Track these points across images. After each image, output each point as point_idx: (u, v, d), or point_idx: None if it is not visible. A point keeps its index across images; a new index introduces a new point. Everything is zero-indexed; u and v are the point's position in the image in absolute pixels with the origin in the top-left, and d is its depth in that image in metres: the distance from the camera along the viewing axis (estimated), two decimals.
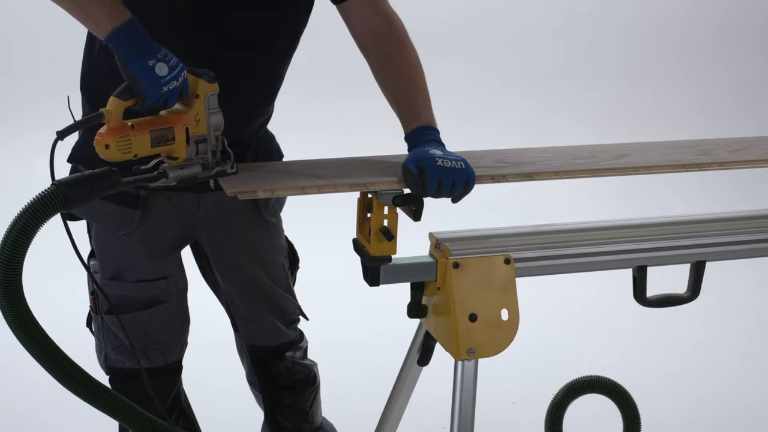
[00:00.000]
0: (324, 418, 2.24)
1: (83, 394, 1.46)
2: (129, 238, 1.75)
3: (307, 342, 2.14)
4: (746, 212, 1.79)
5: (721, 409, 2.82)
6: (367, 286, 1.59)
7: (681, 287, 1.76)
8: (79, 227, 1.81)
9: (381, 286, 1.57)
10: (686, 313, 2.09)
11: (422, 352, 1.75)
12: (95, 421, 2.65)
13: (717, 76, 5.17)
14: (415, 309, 1.64)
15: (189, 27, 1.61)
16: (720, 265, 1.77)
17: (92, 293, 1.81)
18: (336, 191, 1.51)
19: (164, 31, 1.49)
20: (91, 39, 1.71)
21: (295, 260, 2.07)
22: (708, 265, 1.73)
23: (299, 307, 2.08)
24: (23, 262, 1.33)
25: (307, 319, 2.10)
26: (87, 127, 1.47)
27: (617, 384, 1.79)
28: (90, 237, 1.83)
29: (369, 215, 1.56)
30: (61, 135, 1.36)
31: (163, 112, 1.48)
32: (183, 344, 1.94)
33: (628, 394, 1.78)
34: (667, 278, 1.78)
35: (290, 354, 2.07)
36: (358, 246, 1.61)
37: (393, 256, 1.56)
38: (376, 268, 1.55)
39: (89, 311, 1.87)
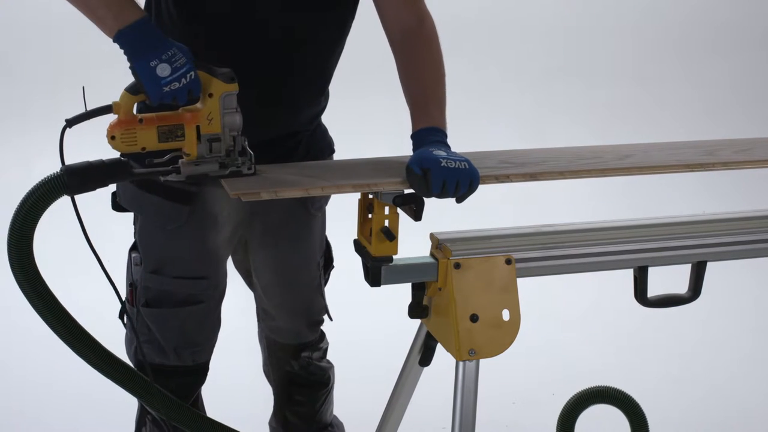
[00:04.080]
0: (335, 417, 2.24)
1: (98, 365, 1.61)
2: (176, 234, 1.76)
3: (327, 343, 2.14)
4: (748, 212, 1.79)
5: (721, 409, 2.82)
6: (368, 286, 1.59)
7: (682, 287, 1.76)
8: (126, 218, 1.86)
9: (382, 286, 1.57)
10: (687, 314, 2.09)
11: (423, 353, 1.75)
12: (95, 421, 2.66)
13: (719, 76, 5.17)
14: (416, 309, 1.64)
15: (234, 19, 1.62)
16: (721, 265, 1.77)
17: (131, 285, 1.83)
18: (339, 192, 1.51)
19: (209, 22, 1.56)
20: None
21: (330, 259, 2.06)
22: (709, 265, 1.73)
23: (326, 307, 2.08)
24: (32, 244, 1.45)
25: (331, 320, 2.10)
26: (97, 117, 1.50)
27: (628, 395, 1.79)
28: (135, 229, 1.83)
29: (370, 216, 1.56)
30: (70, 123, 1.42)
31: (181, 109, 1.50)
32: (213, 346, 1.94)
33: (639, 406, 1.78)
34: (668, 278, 1.78)
35: (306, 354, 2.08)
36: (359, 246, 1.61)
37: (394, 257, 1.56)
38: (377, 269, 1.55)
39: (124, 302, 1.86)
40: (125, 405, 2.25)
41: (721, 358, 3.18)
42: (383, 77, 2.81)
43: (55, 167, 1.47)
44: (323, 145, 1.91)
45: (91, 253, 1.54)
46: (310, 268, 1.98)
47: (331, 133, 1.96)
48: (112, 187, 1.81)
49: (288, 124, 1.76)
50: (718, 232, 1.73)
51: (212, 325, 1.90)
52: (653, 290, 1.72)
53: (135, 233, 1.83)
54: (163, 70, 1.42)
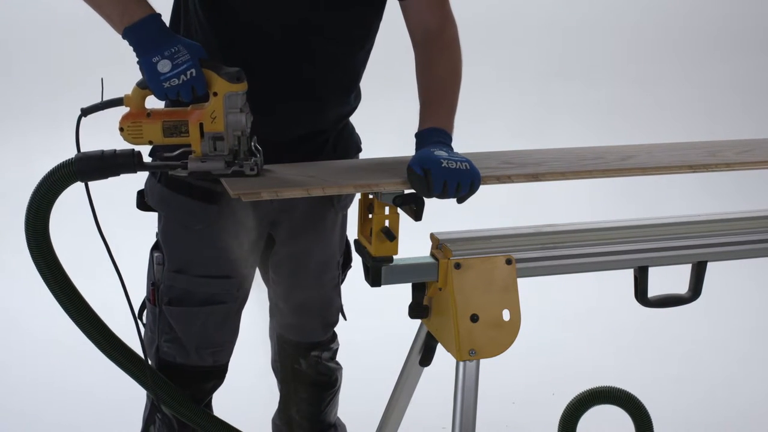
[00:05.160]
0: (338, 418, 2.24)
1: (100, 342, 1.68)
2: (202, 233, 1.77)
3: (338, 344, 2.14)
4: (748, 212, 1.79)
5: (721, 409, 2.83)
6: (369, 286, 1.59)
7: (682, 287, 1.76)
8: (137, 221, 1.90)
9: (382, 286, 1.57)
10: (687, 314, 2.09)
11: (423, 353, 1.75)
12: (95, 420, 2.66)
13: (719, 76, 5.17)
14: (416, 309, 1.64)
15: (256, 13, 1.63)
16: (721, 265, 1.77)
17: (153, 284, 1.83)
18: (341, 192, 1.51)
19: (234, 20, 1.60)
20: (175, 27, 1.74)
21: (349, 258, 2.06)
22: (709, 265, 1.73)
23: (341, 308, 2.08)
24: (48, 227, 1.54)
25: (345, 320, 2.10)
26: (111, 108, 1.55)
27: (633, 396, 1.79)
28: (158, 228, 1.84)
29: (370, 216, 1.56)
30: (85, 112, 1.49)
31: (191, 106, 1.53)
32: (232, 348, 1.94)
33: (644, 407, 1.78)
34: (668, 278, 1.78)
35: (316, 353, 2.07)
36: (359, 246, 1.61)
37: (394, 257, 1.56)
38: (377, 269, 1.55)
39: (144, 302, 1.87)
40: (127, 405, 2.25)
41: (721, 358, 3.18)
42: (386, 78, 2.82)
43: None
44: (350, 144, 1.91)
45: (105, 250, 1.59)
46: (330, 267, 1.99)
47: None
48: (140, 185, 1.83)
49: (314, 122, 1.77)
50: (718, 232, 1.73)
51: (233, 326, 1.90)
52: (653, 290, 1.72)
53: (158, 233, 1.84)
54: (164, 66, 1.45)
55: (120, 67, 2.15)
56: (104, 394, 2.78)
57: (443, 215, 2.03)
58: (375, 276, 1.55)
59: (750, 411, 2.82)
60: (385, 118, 4.07)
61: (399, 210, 1.54)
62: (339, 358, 2.18)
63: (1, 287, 3.50)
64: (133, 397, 2.11)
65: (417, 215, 1.53)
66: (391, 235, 1.52)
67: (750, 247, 1.74)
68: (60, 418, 2.68)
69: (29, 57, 4.68)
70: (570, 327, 3.40)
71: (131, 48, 1.50)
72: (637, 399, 1.81)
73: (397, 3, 1.75)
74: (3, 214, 3.98)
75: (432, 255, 1.59)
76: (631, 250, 1.68)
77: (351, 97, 1.83)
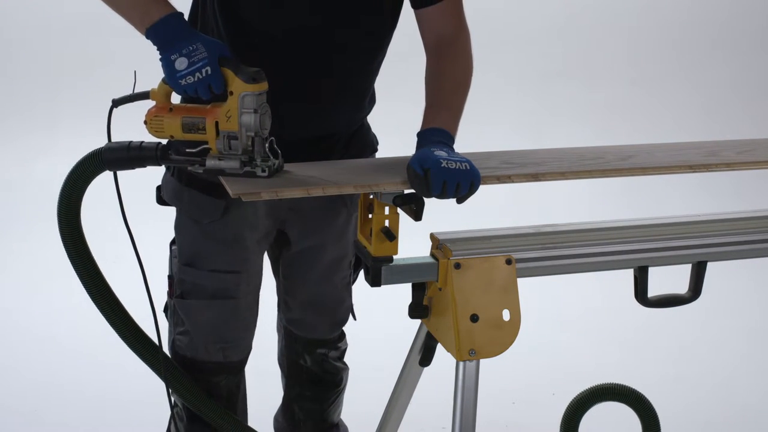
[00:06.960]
0: (341, 419, 2.24)
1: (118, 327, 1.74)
2: (211, 227, 1.78)
3: (346, 345, 2.14)
4: (748, 213, 1.79)
5: (721, 409, 2.83)
6: (369, 286, 1.59)
7: (682, 287, 1.76)
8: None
9: (382, 286, 1.57)
10: (687, 314, 2.09)
11: (423, 353, 1.75)
12: (95, 420, 2.66)
13: (719, 76, 5.17)
14: (416, 309, 1.64)
15: (266, 22, 1.65)
16: (721, 265, 1.77)
17: (170, 277, 1.86)
18: (341, 192, 1.51)
19: (248, 23, 1.64)
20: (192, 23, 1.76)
21: (360, 258, 2.07)
22: (709, 265, 1.73)
23: (351, 307, 2.08)
24: (79, 217, 1.62)
25: (355, 319, 2.10)
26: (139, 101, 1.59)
27: (640, 394, 1.79)
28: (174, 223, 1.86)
29: (370, 216, 1.56)
30: (116, 103, 1.56)
31: (211, 104, 1.54)
32: (246, 347, 1.95)
33: (651, 405, 1.78)
34: (668, 278, 1.78)
35: (323, 351, 2.08)
36: (359, 246, 1.62)
37: (394, 257, 1.56)
38: (377, 269, 1.55)
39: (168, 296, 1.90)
40: (127, 405, 2.26)
41: (720, 358, 3.18)
42: (392, 79, 2.81)
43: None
44: (365, 143, 1.91)
45: (128, 245, 1.64)
46: (342, 266, 1.99)
47: None
48: (158, 181, 1.85)
49: (323, 127, 1.78)
50: (718, 232, 1.73)
51: (245, 323, 1.91)
52: (653, 290, 1.72)
53: (174, 227, 1.86)
54: (181, 63, 1.48)
55: (131, 64, 2.16)
56: (104, 394, 2.78)
57: (443, 215, 2.03)
58: (375, 276, 1.55)
59: (750, 410, 2.82)
60: (390, 119, 4.07)
61: (399, 210, 1.54)
62: None
63: (1, 287, 3.50)
64: (133, 396, 2.12)
65: (417, 215, 1.53)
66: (391, 235, 1.53)
67: (750, 247, 1.74)
68: (60, 418, 2.68)
69: (29, 57, 4.69)
70: (570, 327, 3.40)
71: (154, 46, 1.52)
72: (644, 397, 1.81)
73: (409, 5, 1.75)
74: (3, 214, 3.98)
75: (432, 255, 1.59)
76: (631, 250, 1.68)
77: (365, 103, 1.84)
